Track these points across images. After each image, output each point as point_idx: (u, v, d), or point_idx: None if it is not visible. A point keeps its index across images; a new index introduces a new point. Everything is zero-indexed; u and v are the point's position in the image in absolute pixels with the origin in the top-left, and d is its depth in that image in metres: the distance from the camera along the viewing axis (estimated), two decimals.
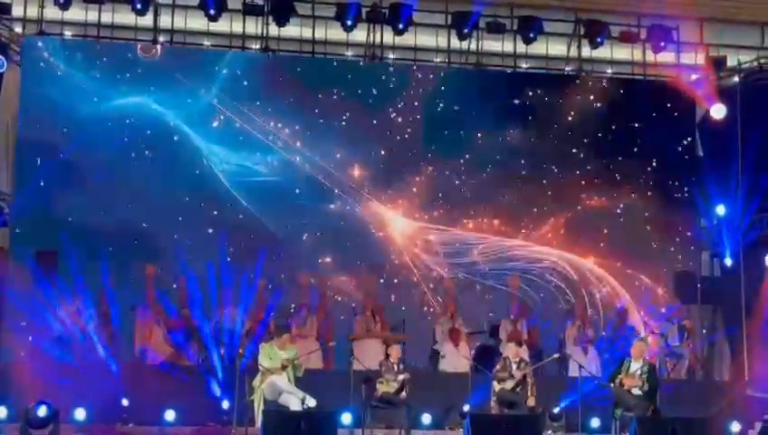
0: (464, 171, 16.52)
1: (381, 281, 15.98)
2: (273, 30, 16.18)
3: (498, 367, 13.14)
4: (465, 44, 16.66)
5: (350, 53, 16.71)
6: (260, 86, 16.22)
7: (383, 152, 16.47)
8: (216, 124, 16.11)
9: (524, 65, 17.02)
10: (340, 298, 15.92)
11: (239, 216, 15.88)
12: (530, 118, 16.68)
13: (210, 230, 15.75)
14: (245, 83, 16.18)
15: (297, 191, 16.09)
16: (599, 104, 16.94)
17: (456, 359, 14.89)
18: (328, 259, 16.07)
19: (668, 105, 17.00)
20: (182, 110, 15.96)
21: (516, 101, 16.70)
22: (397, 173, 16.43)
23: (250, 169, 16.08)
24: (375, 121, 16.47)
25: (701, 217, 17.06)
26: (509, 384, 12.98)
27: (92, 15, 15.95)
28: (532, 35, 16.44)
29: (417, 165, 16.49)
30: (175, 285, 15.27)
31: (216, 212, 15.87)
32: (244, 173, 16.04)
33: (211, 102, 16.09)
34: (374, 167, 16.42)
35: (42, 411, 12.03)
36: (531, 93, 16.71)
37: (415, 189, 16.44)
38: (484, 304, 16.13)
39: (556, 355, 14.38)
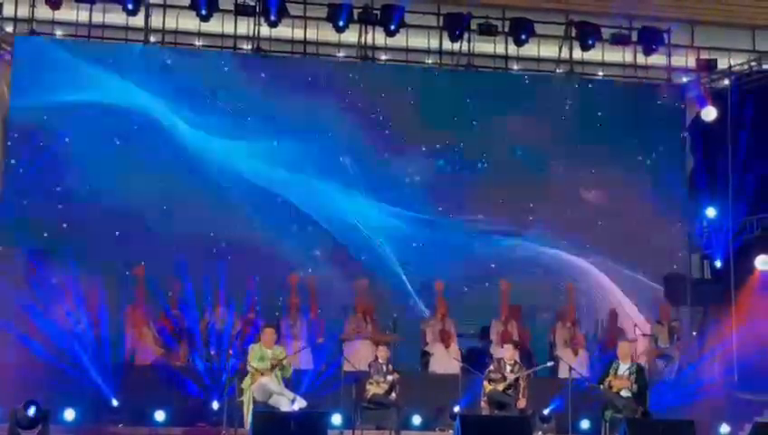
0: (460, 172, 16.53)
1: (373, 281, 15.92)
2: (265, 30, 16.19)
3: (492, 368, 13.11)
4: (456, 46, 16.68)
5: (341, 54, 16.71)
6: (255, 88, 16.20)
7: (378, 153, 16.45)
8: (211, 124, 16.11)
9: (516, 67, 17.05)
10: (330, 298, 15.88)
11: (230, 217, 15.84)
12: (524, 119, 16.67)
13: (200, 231, 15.70)
14: (240, 86, 16.17)
15: (287, 192, 16.08)
16: (590, 106, 16.96)
17: (446, 360, 14.87)
18: (319, 259, 16.05)
19: (659, 107, 17.03)
20: (178, 109, 15.94)
21: (510, 103, 16.68)
22: (392, 174, 16.42)
23: (243, 169, 16.06)
24: (370, 121, 16.46)
25: (691, 219, 17.09)
26: (501, 386, 12.96)
27: (83, 15, 15.94)
28: (523, 37, 16.48)
29: (412, 166, 16.50)
30: (165, 286, 15.23)
31: (207, 213, 15.81)
32: (237, 173, 16.03)
33: (205, 102, 16.09)
34: (369, 168, 16.42)
35: (31, 412, 11.97)
36: (524, 96, 16.72)
37: (409, 190, 16.47)
38: (474, 305, 16.09)
39: (550, 363, 14.37)
